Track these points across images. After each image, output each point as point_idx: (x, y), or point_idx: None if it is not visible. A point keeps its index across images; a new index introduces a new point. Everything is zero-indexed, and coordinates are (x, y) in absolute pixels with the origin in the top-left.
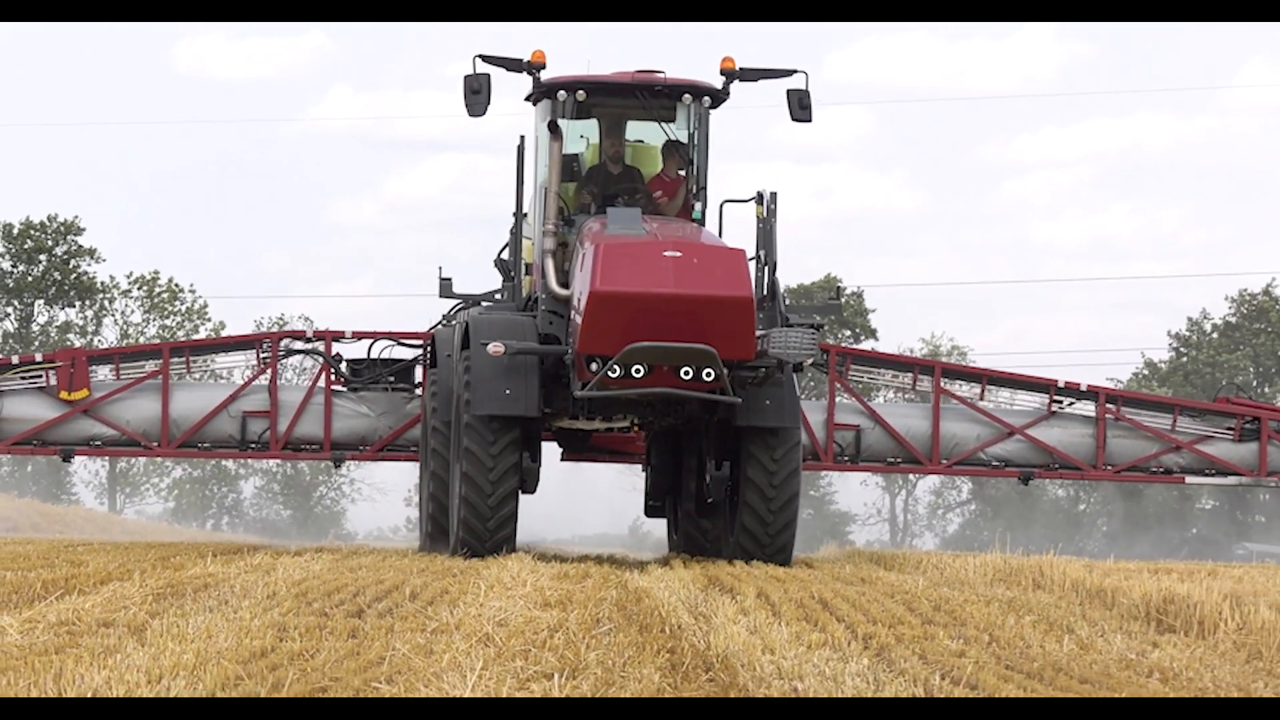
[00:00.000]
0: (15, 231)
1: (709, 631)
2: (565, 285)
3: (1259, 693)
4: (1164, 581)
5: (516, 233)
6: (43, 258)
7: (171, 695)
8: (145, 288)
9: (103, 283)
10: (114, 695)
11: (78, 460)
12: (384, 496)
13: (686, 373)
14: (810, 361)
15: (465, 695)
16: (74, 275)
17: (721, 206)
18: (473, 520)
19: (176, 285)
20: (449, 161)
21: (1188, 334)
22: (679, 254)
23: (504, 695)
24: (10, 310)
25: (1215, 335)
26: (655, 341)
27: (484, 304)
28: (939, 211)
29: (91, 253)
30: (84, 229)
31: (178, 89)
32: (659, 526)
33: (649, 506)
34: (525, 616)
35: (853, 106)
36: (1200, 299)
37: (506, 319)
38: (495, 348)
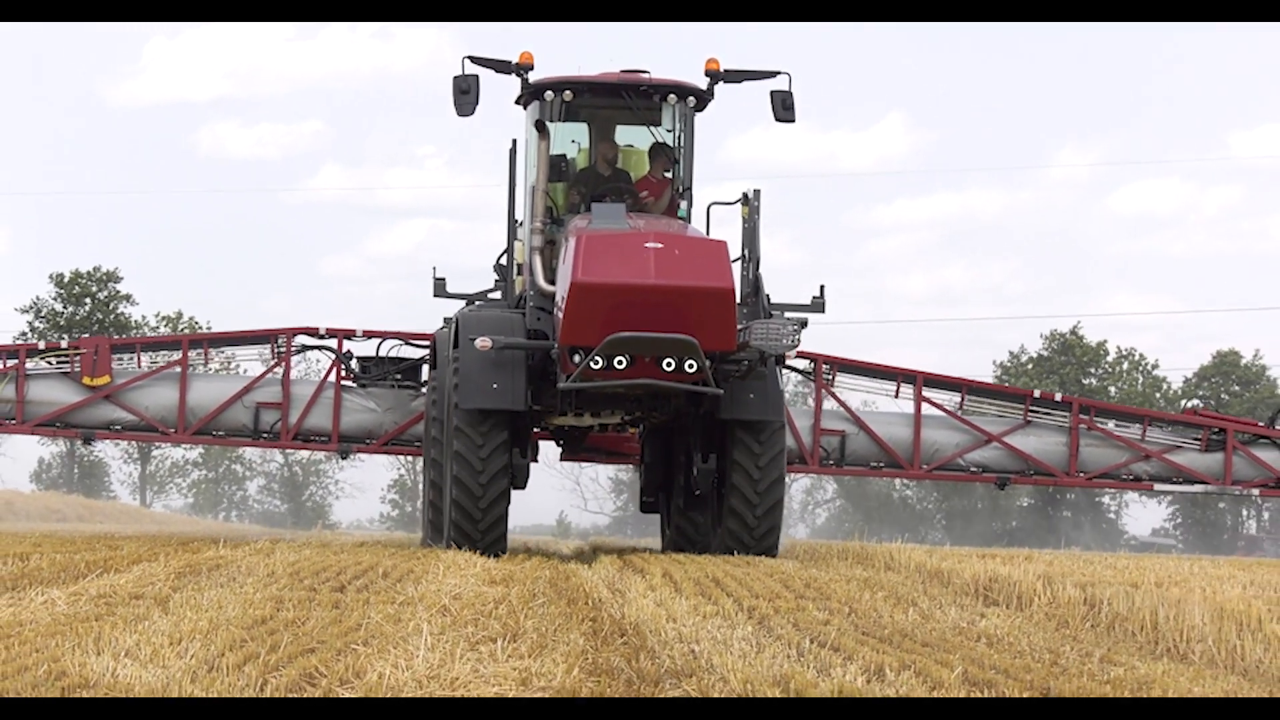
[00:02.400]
0: (66, 279)
1: (624, 604)
2: (553, 282)
3: (1066, 655)
4: (990, 564)
5: (510, 235)
6: (88, 300)
7: (189, 656)
8: (170, 325)
9: (136, 321)
10: (141, 656)
11: (114, 462)
12: (363, 494)
13: (669, 364)
14: (792, 354)
15: (446, 687)
16: (113, 315)
17: (709, 209)
18: (464, 515)
19: (195, 323)
20: (418, 225)
21: (1009, 364)
22: (660, 245)
23: (458, 655)
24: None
25: (1031, 366)
26: (637, 332)
27: (477, 303)
28: (815, 266)
29: (127, 297)
30: (122, 278)
31: (200, 166)
32: (583, 519)
33: (644, 502)
34: (475, 591)
35: (746, 181)
36: (1020, 337)
37: (495, 315)
38: (482, 342)
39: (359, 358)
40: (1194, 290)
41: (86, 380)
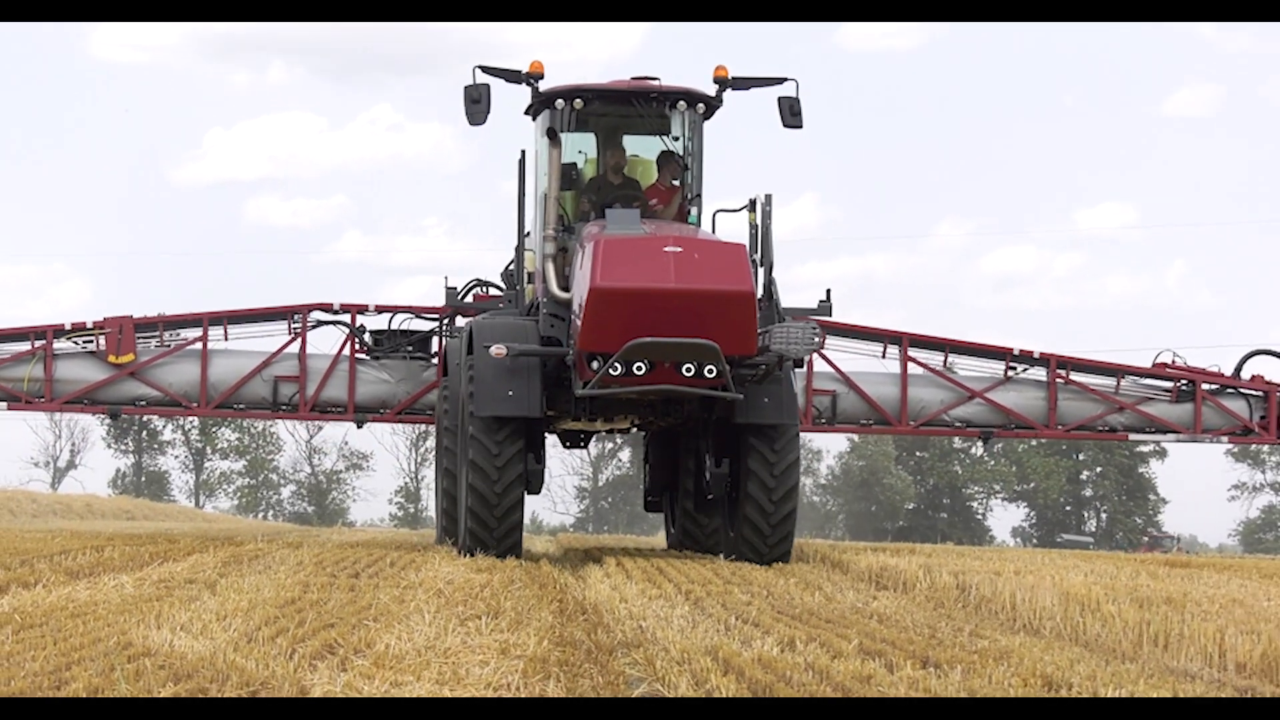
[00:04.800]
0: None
1: (585, 588)
2: (566, 289)
3: (942, 630)
4: (880, 556)
5: (520, 245)
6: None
7: (232, 630)
8: None
9: None
10: (194, 629)
11: (174, 472)
12: (375, 498)
13: (688, 369)
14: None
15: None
16: None
17: (715, 216)
18: (480, 521)
19: None
20: (422, 280)
21: None
22: (680, 249)
23: (450, 629)
24: None
25: None
26: (657, 337)
27: (488, 313)
28: None
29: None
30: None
31: (246, 232)
32: (552, 518)
33: (647, 502)
34: (465, 578)
35: None
36: None
37: (509, 323)
38: (498, 350)
39: (372, 331)
40: (1046, 336)
41: (112, 358)
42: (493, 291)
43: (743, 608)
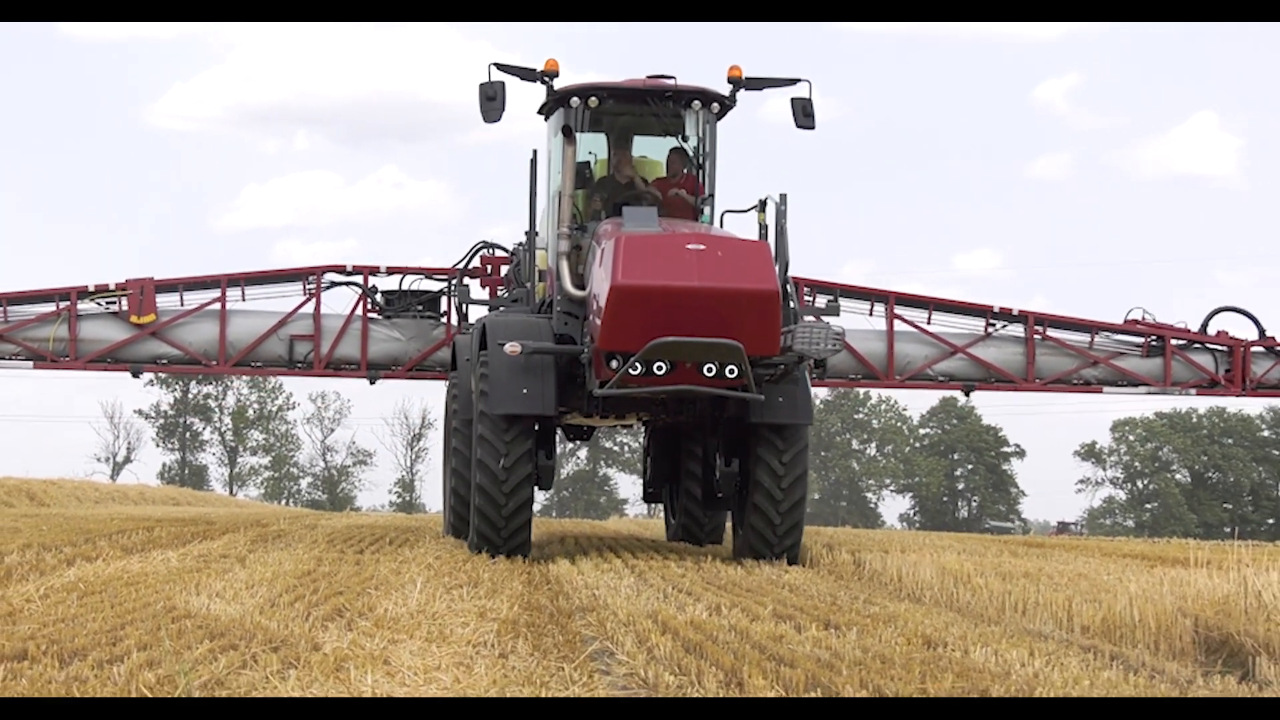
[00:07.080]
0: None
1: (549, 563)
2: (580, 287)
3: (841, 598)
4: None
5: (530, 245)
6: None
7: (259, 596)
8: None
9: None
10: (227, 596)
11: (212, 465)
12: (377, 488)
13: (710, 369)
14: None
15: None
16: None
17: (723, 216)
18: (488, 521)
19: None
20: None
21: None
22: (702, 247)
23: (437, 596)
24: None
25: (822, 406)
26: (681, 336)
27: (500, 309)
28: None
29: None
30: None
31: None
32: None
33: (647, 493)
34: (450, 554)
35: None
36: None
37: (523, 320)
38: (512, 347)
39: (383, 291)
40: None
41: (134, 319)
42: (499, 254)
43: (678, 579)
